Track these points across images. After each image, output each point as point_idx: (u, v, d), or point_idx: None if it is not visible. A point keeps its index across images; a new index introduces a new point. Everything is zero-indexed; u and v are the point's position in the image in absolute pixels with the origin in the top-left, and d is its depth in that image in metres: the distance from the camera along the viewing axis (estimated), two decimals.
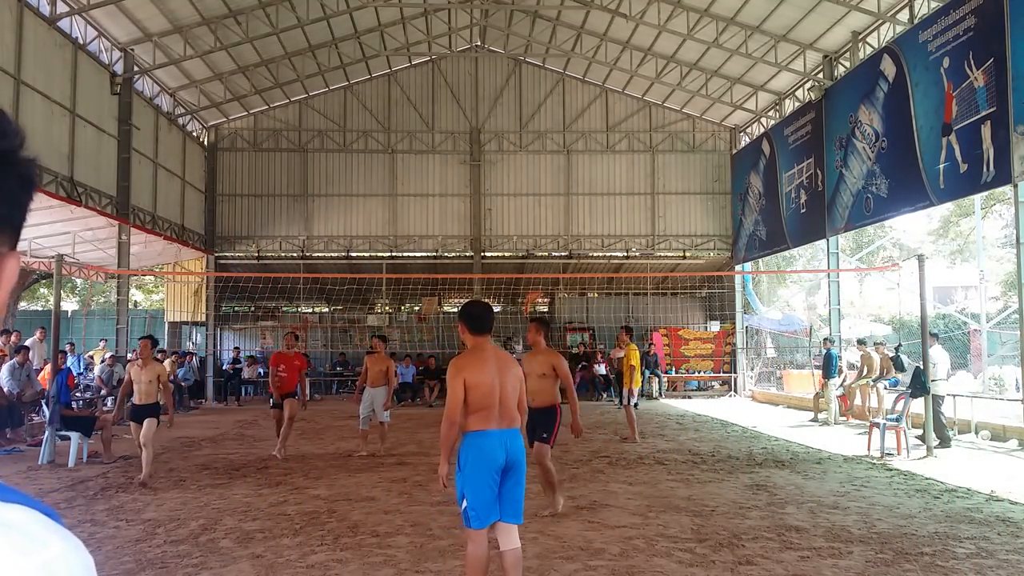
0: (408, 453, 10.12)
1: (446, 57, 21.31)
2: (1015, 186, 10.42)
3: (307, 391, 11.71)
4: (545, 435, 6.54)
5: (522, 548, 3.94)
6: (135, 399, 8.21)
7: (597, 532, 5.86)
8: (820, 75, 16.59)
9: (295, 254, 21.30)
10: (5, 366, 11.70)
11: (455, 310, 23.11)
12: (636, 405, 12.24)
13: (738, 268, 21.32)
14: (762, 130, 20.01)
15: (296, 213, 21.27)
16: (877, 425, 10.21)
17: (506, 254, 21.68)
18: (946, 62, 11.77)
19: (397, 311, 23.25)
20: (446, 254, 21.67)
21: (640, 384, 12.10)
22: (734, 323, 21.44)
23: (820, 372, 14.62)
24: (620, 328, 12.95)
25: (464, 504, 3.91)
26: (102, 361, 15.30)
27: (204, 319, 21.34)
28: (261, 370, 21.64)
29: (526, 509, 6.63)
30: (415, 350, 20.44)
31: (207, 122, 20.61)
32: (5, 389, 11.39)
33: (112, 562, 5.12)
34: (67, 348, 16.27)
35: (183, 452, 10.45)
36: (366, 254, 21.33)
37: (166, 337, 21.95)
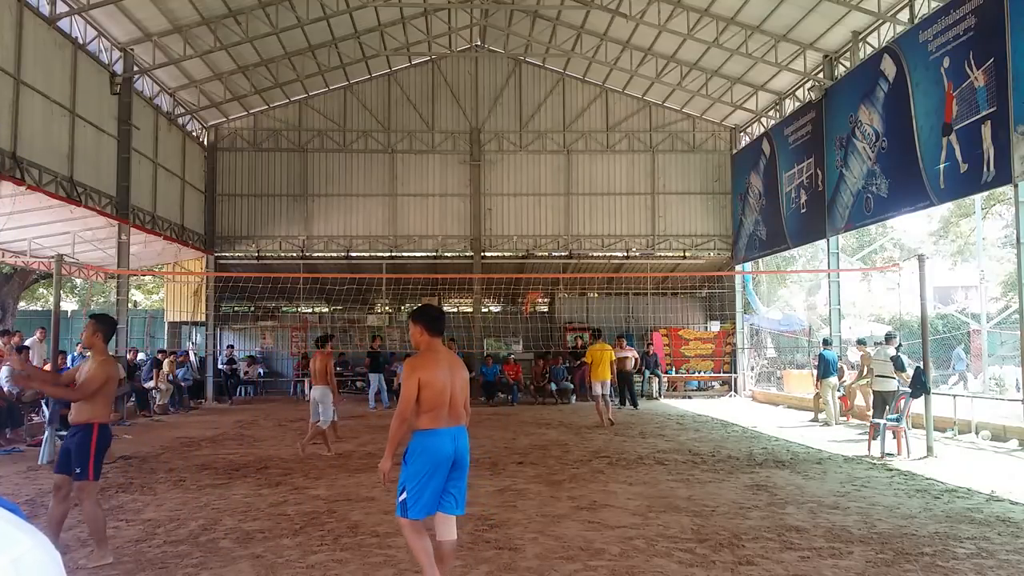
0: None
1: (446, 57, 21.31)
2: (1015, 186, 10.42)
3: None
4: (79, 470, 5.07)
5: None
6: None
7: (597, 532, 5.86)
8: (820, 75, 16.59)
9: (295, 254, 21.30)
10: (5, 366, 11.70)
11: (455, 310, 23.14)
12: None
13: (738, 268, 21.32)
14: (762, 130, 20.00)
15: (296, 213, 21.27)
16: (877, 425, 10.21)
17: (506, 254, 21.68)
18: (946, 62, 11.77)
19: (397, 311, 23.25)
20: (446, 254, 21.67)
21: (607, 379, 13.74)
22: (734, 323, 21.45)
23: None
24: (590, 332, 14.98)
25: (403, 496, 4.08)
26: None
27: (204, 319, 21.34)
28: (261, 371, 21.70)
29: (528, 508, 6.66)
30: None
31: (207, 122, 20.61)
32: (5, 389, 11.39)
33: (112, 562, 5.11)
34: (78, 348, 16.29)
35: (183, 452, 10.45)
36: (366, 254, 21.33)
37: (166, 337, 21.99)
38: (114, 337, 15.49)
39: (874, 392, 11.59)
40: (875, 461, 9.53)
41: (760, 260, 21.14)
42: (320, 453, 10.10)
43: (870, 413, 12.83)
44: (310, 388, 11.25)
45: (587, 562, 5.05)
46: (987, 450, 10.45)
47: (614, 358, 14.29)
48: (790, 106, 18.49)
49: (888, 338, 12.11)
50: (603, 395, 13.71)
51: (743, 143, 21.32)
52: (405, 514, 4.08)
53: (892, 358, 11.71)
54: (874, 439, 10.32)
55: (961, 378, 19.37)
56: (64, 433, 9.53)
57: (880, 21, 14.46)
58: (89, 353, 5.42)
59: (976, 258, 21.32)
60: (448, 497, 4.17)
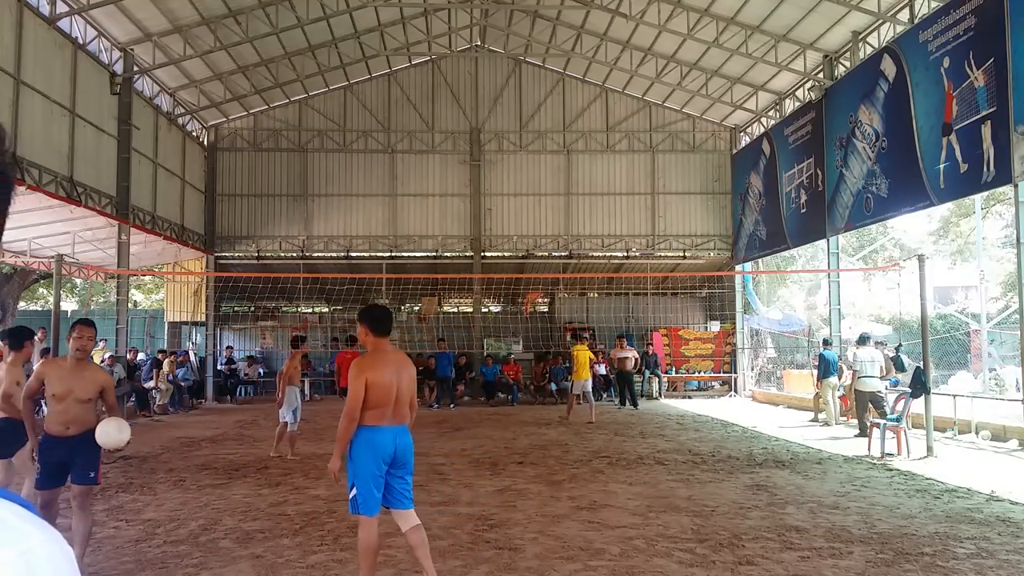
0: None
1: (446, 57, 21.31)
2: (1015, 186, 10.41)
3: None
4: (93, 474, 4.95)
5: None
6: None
7: (597, 532, 5.86)
8: (820, 75, 16.59)
9: (295, 254, 21.30)
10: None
11: (455, 310, 23.15)
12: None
13: (738, 268, 21.32)
14: (762, 130, 20.00)
15: (296, 213, 21.27)
16: (877, 425, 10.22)
17: (506, 254, 21.68)
18: (946, 62, 11.77)
19: (397, 311, 23.24)
20: (446, 254, 21.67)
21: (585, 377, 14.61)
22: (734, 323, 21.45)
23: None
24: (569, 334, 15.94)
25: (353, 492, 4.25)
26: (101, 361, 15.30)
27: (204, 319, 21.34)
28: (261, 370, 21.70)
29: (528, 508, 6.66)
30: (415, 350, 20.43)
31: (207, 122, 20.61)
32: None
33: (112, 562, 5.12)
34: None
35: (183, 452, 10.45)
36: (366, 254, 21.33)
37: (166, 337, 21.99)
38: (114, 337, 15.47)
39: (857, 392, 12.01)
40: (875, 461, 9.53)
41: (760, 260, 21.14)
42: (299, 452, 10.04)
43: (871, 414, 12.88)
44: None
45: (587, 562, 5.05)
46: (987, 450, 10.45)
47: (593, 358, 15.38)
48: (790, 106, 18.48)
49: (862, 340, 12.41)
50: (584, 393, 14.64)
51: (743, 143, 21.32)
52: (357, 511, 4.24)
53: (892, 358, 11.77)
54: (866, 436, 10.80)
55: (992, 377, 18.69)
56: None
57: (880, 21, 14.45)
58: (74, 357, 4.89)
59: (976, 258, 21.32)
60: (397, 493, 4.36)
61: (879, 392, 11.88)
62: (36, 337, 14.82)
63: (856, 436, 11.89)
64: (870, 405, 11.98)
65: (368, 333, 4.40)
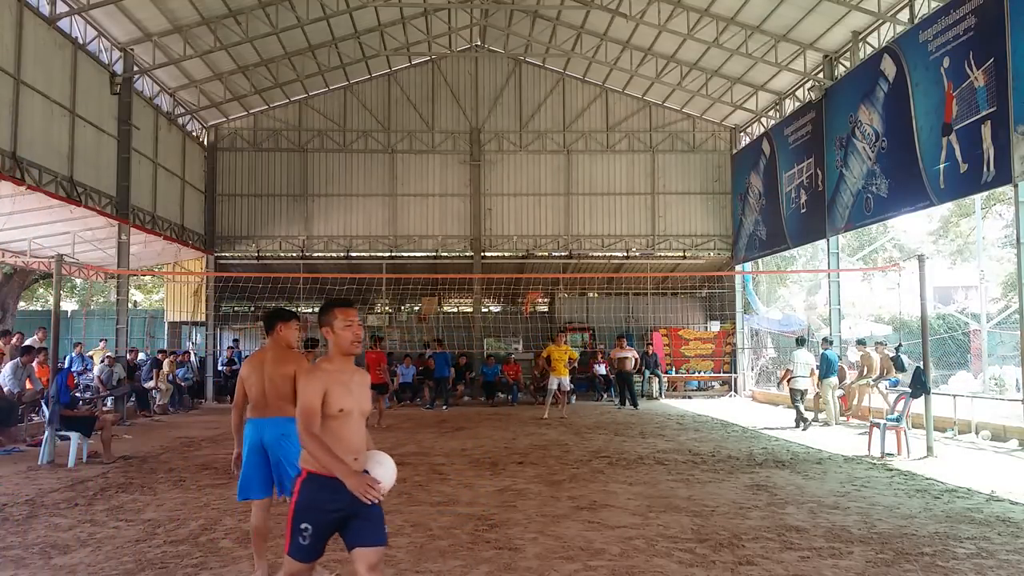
0: (408, 453, 10.12)
1: (446, 57, 21.32)
2: (1015, 186, 10.42)
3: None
4: (385, 526, 3.67)
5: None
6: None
7: (597, 532, 5.86)
8: (820, 75, 16.59)
9: (295, 254, 21.30)
10: (7, 366, 11.70)
11: (455, 310, 23.14)
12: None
13: (738, 268, 21.32)
14: (762, 130, 20.01)
15: (296, 213, 21.28)
16: (877, 425, 10.22)
17: (506, 254, 21.68)
18: (946, 62, 11.77)
19: (397, 311, 23.25)
20: (446, 254, 21.67)
21: (565, 373, 15.18)
22: (734, 323, 21.45)
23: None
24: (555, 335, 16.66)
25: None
26: (102, 361, 15.31)
27: (204, 319, 21.34)
28: None
29: (528, 508, 6.66)
30: (415, 350, 20.44)
31: (207, 122, 20.61)
32: (6, 389, 11.39)
33: (112, 562, 5.12)
34: (75, 349, 16.28)
35: (183, 452, 10.45)
36: (366, 254, 21.34)
37: (166, 337, 21.99)
38: (114, 337, 15.38)
39: (791, 390, 13.36)
40: (875, 461, 9.53)
41: (760, 260, 21.14)
42: None
43: (871, 415, 12.92)
44: None
45: (587, 562, 5.05)
46: (987, 450, 10.45)
47: (575, 355, 15.87)
48: (790, 106, 18.49)
49: (799, 342, 13.90)
50: (558, 390, 15.14)
51: (743, 143, 21.32)
52: (239, 496, 4.74)
53: (892, 358, 11.79)
54: (804, 422, 12.92)
55: None
56: (64, 433, 9.56)
57: (880, 21, 14.46)
58: (346, 353, 3.39)
59: (976, 258, 21.32)
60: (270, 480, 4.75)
61: (806, 391, 13.44)
62: (37, 336, 14.87)
63: (794, 428, 13.03)
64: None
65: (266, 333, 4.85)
